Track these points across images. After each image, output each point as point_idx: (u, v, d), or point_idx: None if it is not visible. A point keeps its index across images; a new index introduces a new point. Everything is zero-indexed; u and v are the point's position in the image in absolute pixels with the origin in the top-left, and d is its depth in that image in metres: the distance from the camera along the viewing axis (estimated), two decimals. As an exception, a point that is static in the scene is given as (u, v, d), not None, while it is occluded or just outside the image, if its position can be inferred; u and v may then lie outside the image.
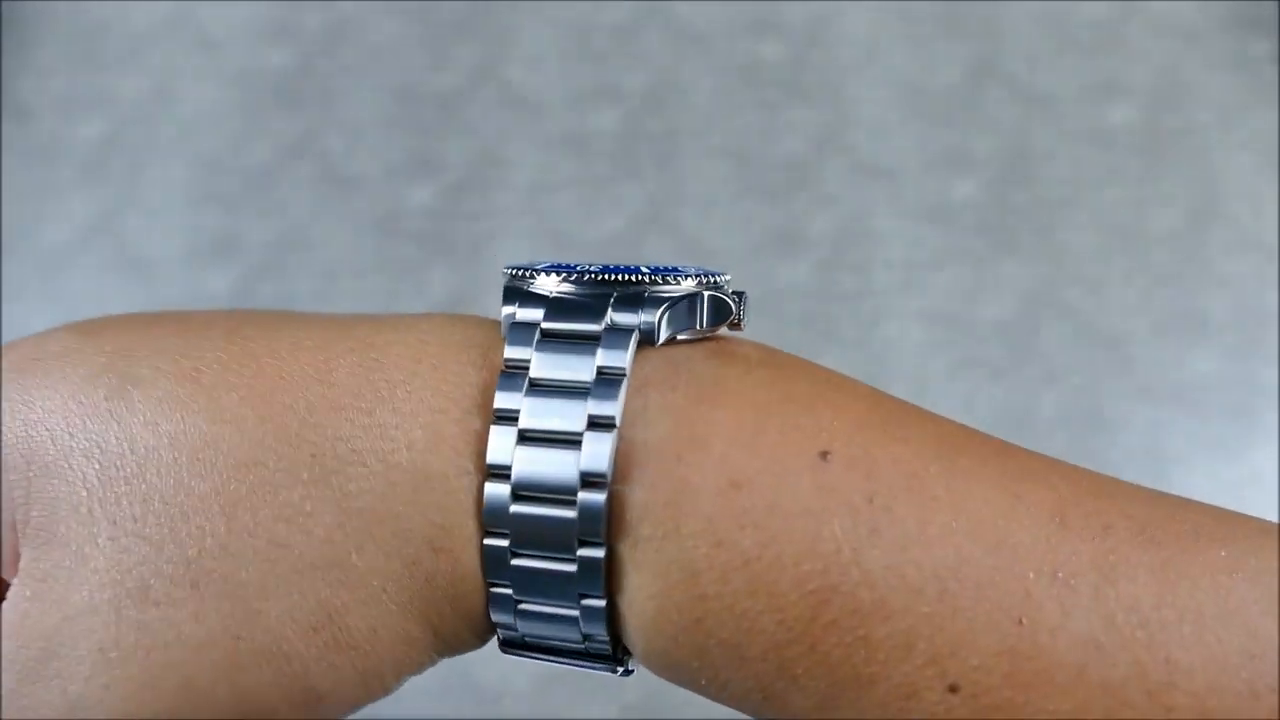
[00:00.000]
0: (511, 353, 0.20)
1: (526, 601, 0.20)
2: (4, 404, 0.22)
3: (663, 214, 1.23)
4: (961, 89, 1.31)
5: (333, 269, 1.18)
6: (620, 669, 0.22)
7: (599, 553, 0.19)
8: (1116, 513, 0.17)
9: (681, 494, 0.18)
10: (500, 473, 0.20)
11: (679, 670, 0.20)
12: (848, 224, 1.20)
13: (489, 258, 1.21)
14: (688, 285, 0.20)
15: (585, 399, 0.19)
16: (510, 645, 0.22)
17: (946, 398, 1.08)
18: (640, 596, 0.19)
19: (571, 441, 0.19)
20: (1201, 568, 0.16)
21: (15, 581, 0.20)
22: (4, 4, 1.41)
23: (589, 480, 0.19)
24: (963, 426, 0.20)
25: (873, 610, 0.17)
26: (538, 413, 0.19)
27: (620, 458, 0.19)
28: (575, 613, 0.20)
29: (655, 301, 0.20)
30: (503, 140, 1.31)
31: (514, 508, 0.19)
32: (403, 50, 1.39)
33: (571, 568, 0.19)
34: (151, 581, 0.19)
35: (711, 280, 0.21)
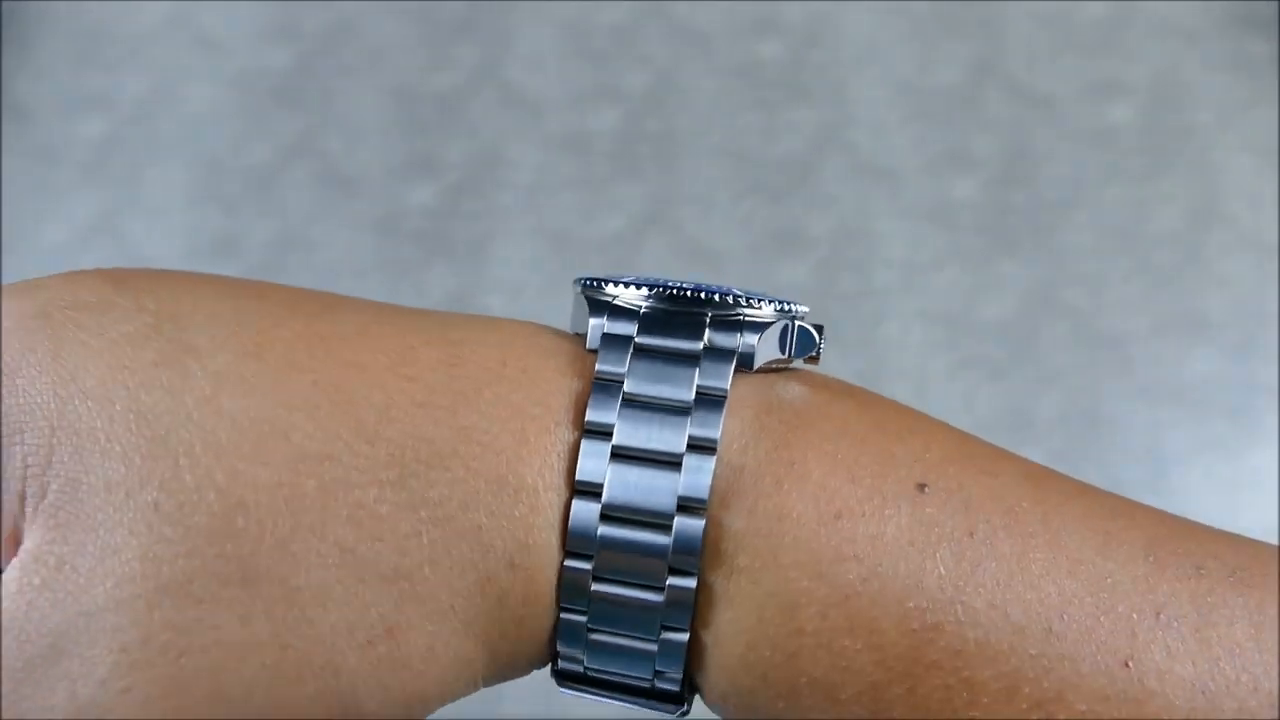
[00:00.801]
0: (605, 365, 0.19)
1: (600, 632, 0.19)
2: (28, 355, 0.18)
3: (663, 214, 1.23)
4: (961, 89, 1.31)
5: (333, 269, 1.18)
6: (679, 709, 0.20)
7: (691, 583, 0.17)
8: (1205, 553, 0.16)
9: (782, 523, 0.17)
10: (590, 490, 0.18)
11: (761, 711, 0.18)
12: (848, 224, 1.20)
13: (489, 258, 1.21)
14: (769, 312, 0.19)
15: (685, 419, 0.18)
16: (567, 678, 0.20)
17: (946, 398, 1.08)
18: (731, 631, 0.18)
19: (670, 463, 0.18)
20: None
21: (16, 565, 0.17)
22: (4, 4, 1.41)
23: (687, 505, 0.17)
24: (1039, 465, 0.19)
25: (977, 651, 0.16)
26: (634, 430, 0.18)
27: (718, 483, 0.18)
28: (653, 647, 0.18)
29: (754, 326, 0.19)
30: (503, 140, 1.31)
31: (602, 529, 0.18)
32: (403, 50, 1.39)
33: (658, 598, 0.18)
34: (195, 577, 0.17)
35: (789, 309, 0.20)
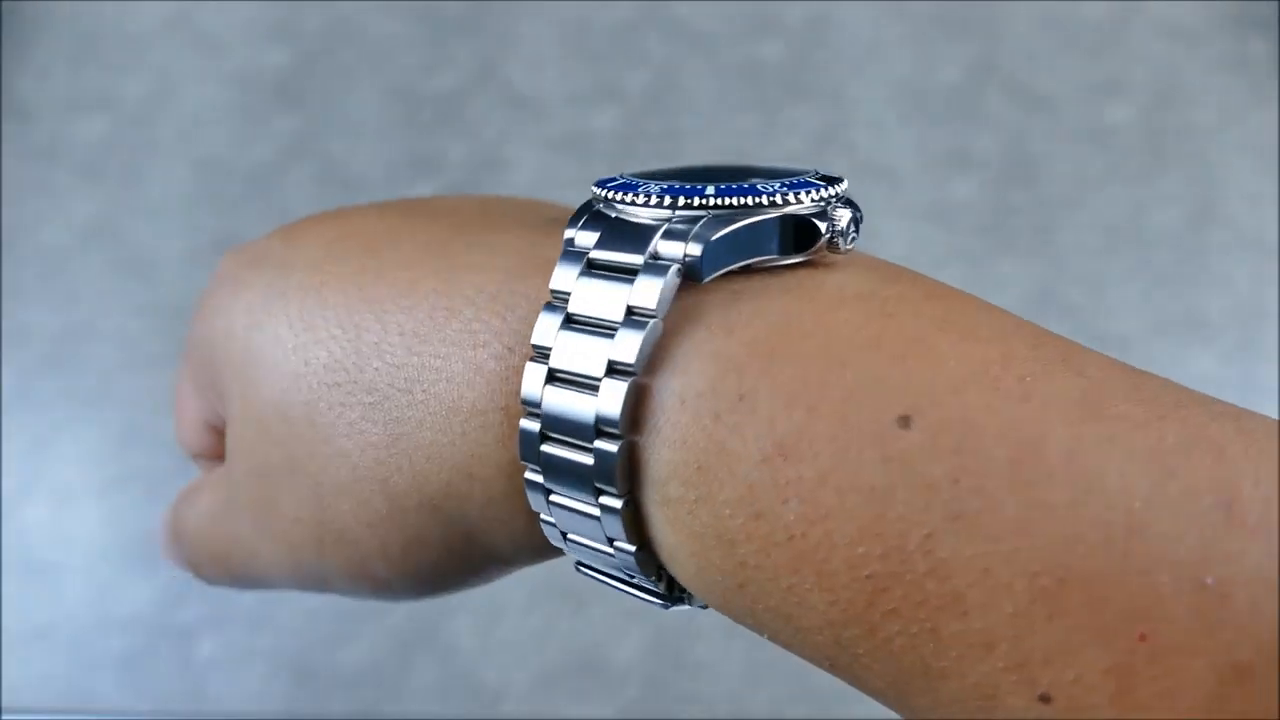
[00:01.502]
0: (557, 282, 0.19)
1: (570, 535, 0.20)
2: (215, 298, 0.27)
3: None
4: (961, 89, 1.31)
5: (333, 269, 1.18)
6: (676, 605, 0.20)
7: (617, 503, 0.18)
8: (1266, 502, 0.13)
9: (717, 457, 0.16)
10: (533, 410, 0.19)
11: (741, 622, 0.18)
12: (848, 224, 1.20)
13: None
14: (796, 203, 0.17)
15: (609, 340, 0.17)
16: (579, 563, 0.21)
17: (946, 398, 1.08)
18: (680, 555, 0.18)
19: (592, 386, 0.18)
20: None
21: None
22: (4, 4, 1.41)
23: (602, 429, 0.17)
24: (1142, 374, 0.16)
25: (942, 605, 0.14)
26: (565, 352, 0.18)
27: (647, 409, 0.17)
28: (610, 553, 0.19)
29: (713, 226, 0.17)
30: (503, 140, 1.31)
31: (543, 447, 0.18)
32: (403, 50, 1.39)
33: (596, 512, 0.18)
34: (264, 465, 0.23)
35: (828, 197, 0.18)
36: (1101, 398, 0.15)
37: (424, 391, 0.21)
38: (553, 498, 0.19)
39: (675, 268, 0.17)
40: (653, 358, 0.17)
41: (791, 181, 0.18)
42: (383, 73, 1.34)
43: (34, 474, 1.07)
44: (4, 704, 0.97)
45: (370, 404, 0.21)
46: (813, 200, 0.18)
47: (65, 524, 1.04)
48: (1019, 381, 0.15)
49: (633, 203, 0.18)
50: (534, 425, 0.18)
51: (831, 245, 0.18)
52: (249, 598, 1.01)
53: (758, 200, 0.18)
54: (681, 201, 0.18)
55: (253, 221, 1.23)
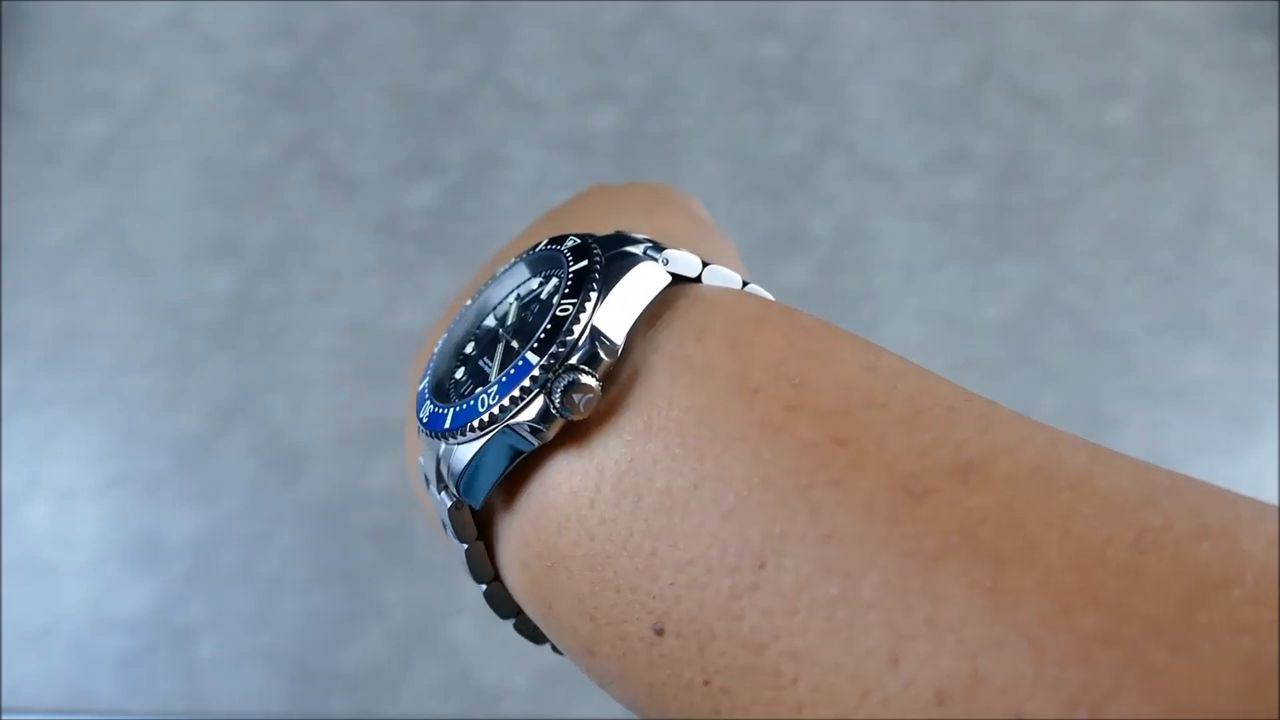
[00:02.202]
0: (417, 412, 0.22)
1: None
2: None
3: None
4: (961, 89, 1.31)
5: (333, 269, 1.18)
6: None
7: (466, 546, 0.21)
8: (1030, 690, 0.13)
9: (560, 641, 0.19)
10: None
11: None
12: (848, 224, 1.20)
13: (488, 258, 1.21)
14: (513, 410, 0.18)
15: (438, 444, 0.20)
16: None
17: (946, 398, 1.08)
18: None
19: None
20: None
21: None
22: (4, 4, 1.41)
23: (476, 577, 0.21)
24: (879, 504, 0.15)
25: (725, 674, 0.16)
26: (435, 506, 0.21)
27: (515, 586, 0.20)
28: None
29: (453, 474, 0.19)
30: (503, 140, 1.32)
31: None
32: (403, 50, 1.39)
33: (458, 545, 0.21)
34: None
35: (527, 383, 0.18)
36: (836, 569, 0.15)
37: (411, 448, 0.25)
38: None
39: (452, 499, 0.19)
40: (492, 559, 0.20)
41: (504, 382, 0.18)
42: (383, 73, 1.34)
43: (34, 474, 1.07)
44: (4, 704, 0.97)
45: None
46: (525, 390, 0.18)
47: (65, 524, 1.04)
48: (753, 567, 0.15)
49: (424, 432, 0.20)
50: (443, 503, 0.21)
51: (569, 416, 0.18)
52: (249, 598, 1.01)
53: (480, 421, 0.18)
54: (439, 434, 0.19)
55: (253, 221, 1.23)
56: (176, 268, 1.19)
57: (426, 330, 0.25)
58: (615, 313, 0.18)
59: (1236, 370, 1.09)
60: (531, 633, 0.21)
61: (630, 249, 0.19)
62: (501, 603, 0.20)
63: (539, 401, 0.18)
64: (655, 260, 0.19)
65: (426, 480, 0.21)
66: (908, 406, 0.16)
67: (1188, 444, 1.06)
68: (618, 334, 0.18)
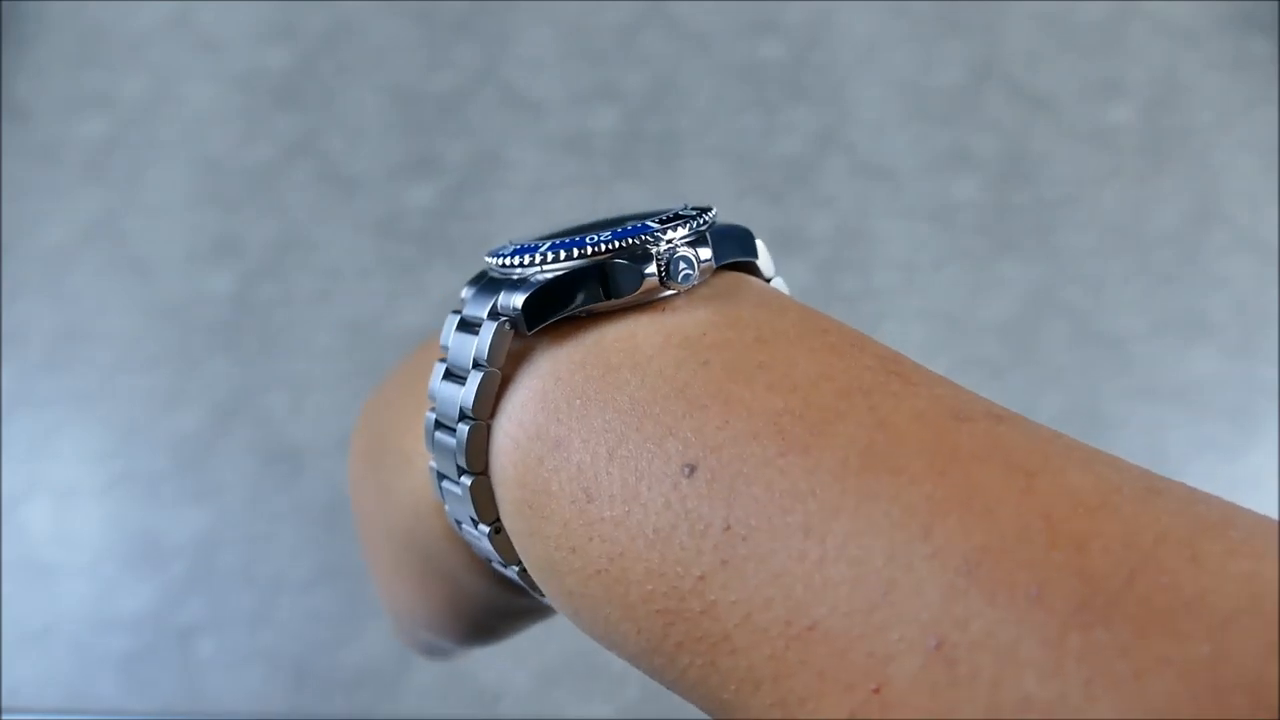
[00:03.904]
0: (443, 338, 0.21)
1: (490, 563, 0.23)
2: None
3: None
4: (961, 89, 1.31)
5: (333, 269, 1.19)
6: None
7: (488, 529, 0.20)
8: (1052, 569, 0.13)
9: (542, 497, 0.18)
10: (431, 453, 0.21)
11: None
12: (848, 224, 1.20)
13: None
14: (617, 251, 0.19)
15: (460, 387, 0.19)
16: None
17: (946, 398, 1.08)
18: (536, 579, 0.20)
19: (453, 430, 0.20)
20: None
21: None
22: (4, 4, 1.41)
23: (461, 468, 0.20)
24: (925, 417, 0.16)
25: (718, 641, 0.15)
26: (441, 401, 0.20)
27: (491, 450, 0.19)
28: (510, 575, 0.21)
29: (526, 286, 0.19)
30: (503, 140, 1.32)
31: (441, 483, 0.21)
32: (403, 50, 1.39)
33: (477, 535, 0.21)
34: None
35: (642, 239, 0.19)
36: (884, 450, 0.15)
37: (386, 440, 0.25)
38: (463, 527, 0.21)
39: (504, 321, 0.19)
40: (496, 400, 0.19)
41: (624, 230, 0.19)
42: (383, 73, 1.34)
43: (34, 474, 1.07)
44: (4, 704, 0.97)
45: (369, 461, 0.25)
46: (637, 245, 0.19)
47: (65, 524, 1.04)
48: (807, 433, 0.16)
49: (495, 264, 0.20)
50: (434, 465, 0.21)
51: (666, 284, 0.19)
52: (249, 598, 1.01)
53: (583, 251, 0.19)
54: (526, 259, 0.19)
55: (253, 221, 1.23)
56: (176, 268, 1.19)
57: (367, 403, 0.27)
58: (727, 237, 0.20)
59: (1236, 370, 1.09)
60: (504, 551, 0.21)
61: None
62: (485, 499, 0.20)
63: (647, 259, 0.19)
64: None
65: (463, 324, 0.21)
66: (945, 378, 0.18)
67: (1188, 444, 1.06)
68: (725, 252, 0.20)
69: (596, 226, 0.21)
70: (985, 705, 0.13)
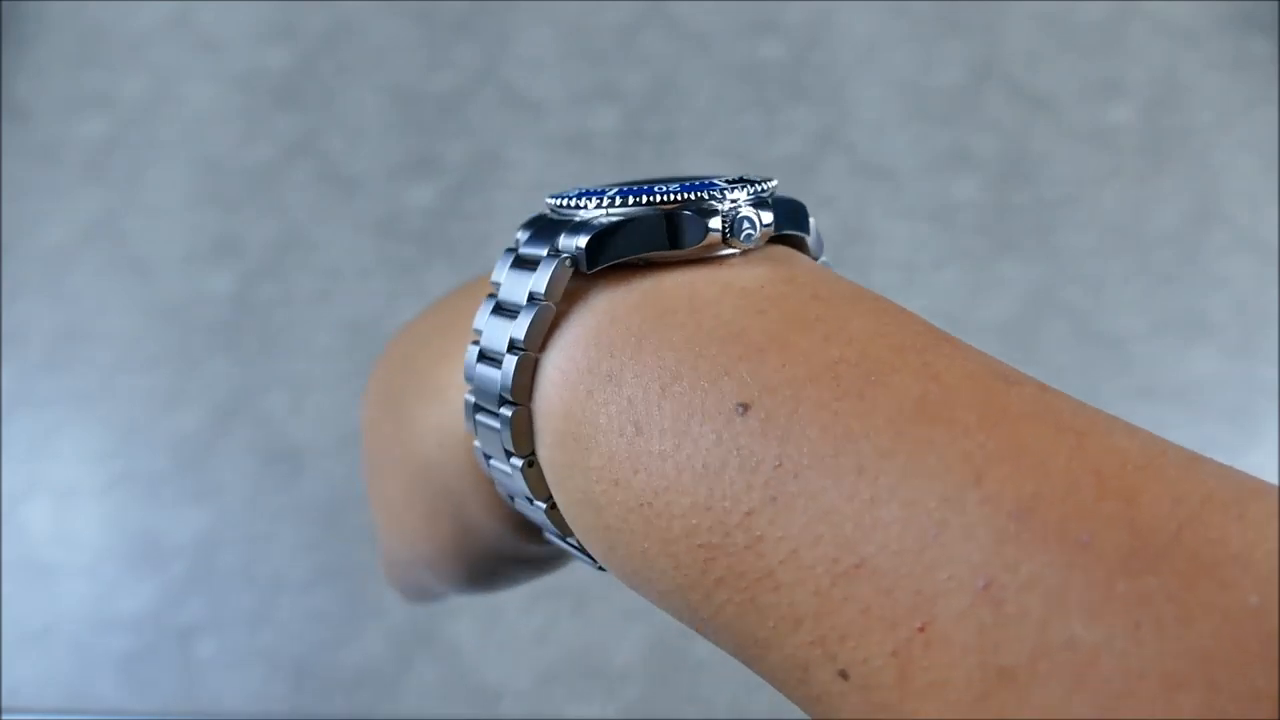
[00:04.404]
0: (495, 275, 0.21)
1: (512, 495, 0.23)
2: None
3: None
4: (961, 89, 1.31)
5: (333, 269, 1.19)
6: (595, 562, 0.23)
7: (520, 463, 0.20)
8: (1102, 519, 0.14)
9: (588, 429, 0.18)
10: (470, 385, 0.21)
11: (628, 586, 0.21)
12: (847, 224, 1.20)
13: (489, 258, 1.21)
14: (685, 203, 0.19)
15: (512, 322, 0.20)
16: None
17: (946, 398, 1.08)
18: (570, 516, 0.20)
19: (500, 361, 0.20)
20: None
21: None
22: (4, 4, 1.41)
23: (504, 397, 0.20)
24: (976, 377, 0.17)
25: (760, 578, 0.16)
26: (489, 333, 0.20)
27: (537, 381, 0.20)
28: (539, 507, 0.21)
29: (590, 228, 0.19)
30: (503, 140, 1.32)
31: (477, 416, 0.21)
32: (403, 50, 1.39)
33: (511, 472, 0.21)
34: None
35: (711, 195, 0.19)
36: (939, 401, 0.16)
37: (417, 374, 0.25)
38: (490, 462, 0.21)
39: (565, 258, 0.19)
40: (547, 336, 0.19)
41: (691, 184, 0.20)
42: (383, 73, 1.34)
43: (34, 474, 1.07)
44: (4, 704, 0.97)
45: (390, 396, 0.26)
46: (704, 199, 0.19)
47: (65, 524, 1.04)
48: (862, 381, 0.16)
49: (557, 205, 0.20)
50: (471, 398, 0.21)
51: (728, 240, 0.19)
52: (249, 598, 1.01)
53: (651, 199, 0.19)
54: (591, 203, 0.19)
55: (253, 221, 1.23)
56: (176, 268, 1.19)
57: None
58: (787, 206, 0.20)
59: (1236, 370, 1.09)
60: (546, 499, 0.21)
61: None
62: (524, 431, 0.20)
63: (712, 214, 0.19)
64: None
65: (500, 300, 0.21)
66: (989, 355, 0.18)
67: (1188, 444, 1.05)
68: (784, 219, 0.20)
69: (659, 181, 0.21)
70: (1032, 645, 0.13)
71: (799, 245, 0.21)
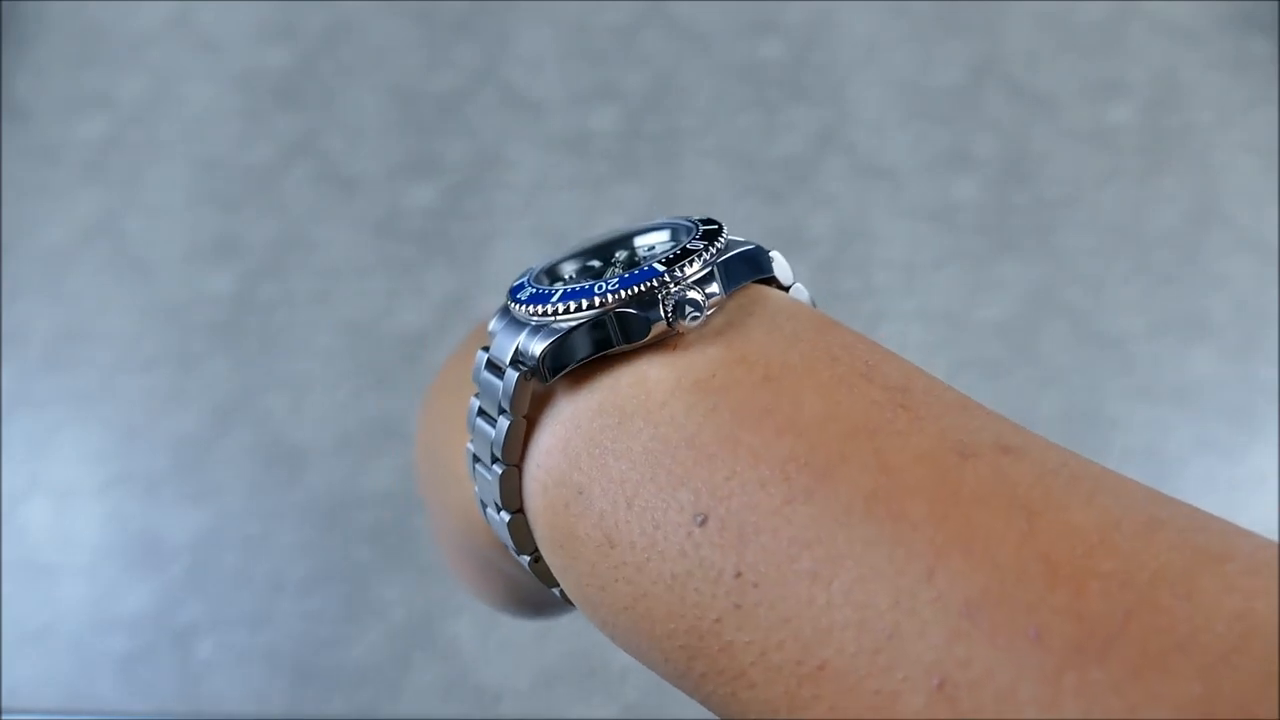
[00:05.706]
0: (473, 374, 0.22)
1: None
2: None
3: (663, 214, 1.23)
4: (961, 89, 1.31)
5: (333, 269, 1.18)
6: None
7: (526, 560, 0.22)
8: (1050, 611, 0.14)
9: (570, 540, 0.19)
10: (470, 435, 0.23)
11: None
12: (848, 224, 1.20)
13: (489, 258, 1.21)
14: (626, 299, 0.19)
15: (491, 427, 0.21)
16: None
17: (946, 398, 1.08)
18: (577, 606, 0.21)
19: (494, 420, 0.21)
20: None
21: None
22: (4, 4, 1.41)
23: (501, 504, 0.21)
24: (929, 458, 0.17)
25: (735, 676, 0.17)
26: (475, 439, 0.21)
27: (523, 493, 0.21)
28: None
29: (546, 333, 0.19)
30: (503, 140, 1.32)
31: (475, 466, 0.22)
32: (403, 50, 1.39)
33: (524, 565, 0.22)
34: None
35: (651, 285, 0.19)
36: (888, 495, 0.16)
37: (441, 458, 0.26)
38: (486, 511, 0.22)
39: (523, 371, 0.20)
40: (524, 445, 0.20)
41: (630, 277, 0.20)
42: (383, 73, 1.34)
43: (34, 474, 1.07)
44: (4, 704, 0.97)
45: (432, 453, 0.27)
46: (646, 291, 0.19)
47: (65, 524, 1.04)
48: (812, 479, 0.17)
49: (516, 306, 0.21)
50: (471, 448, 0.22)
51: (673, 326, 0.19)
52: (249, 598, 1.01)
53: (590, 303, 0.19)
54: (538, 309, 0.20)
55: (253, 221, 1.23)
56: (176, 268, 1.19)
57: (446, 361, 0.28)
58: (737, 263, 0.20)
59: (1236, 370, 1.09)
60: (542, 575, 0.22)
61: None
62: (523, 534, 0.21)
63: (654, 306, 0.19)
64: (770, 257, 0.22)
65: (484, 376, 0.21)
66: (957, 400, 0.18)
67: (1188, 444, 1.06)
68: (735, 279, 0.20)
69: (615, 244, 0.22)
70: None
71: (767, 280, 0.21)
